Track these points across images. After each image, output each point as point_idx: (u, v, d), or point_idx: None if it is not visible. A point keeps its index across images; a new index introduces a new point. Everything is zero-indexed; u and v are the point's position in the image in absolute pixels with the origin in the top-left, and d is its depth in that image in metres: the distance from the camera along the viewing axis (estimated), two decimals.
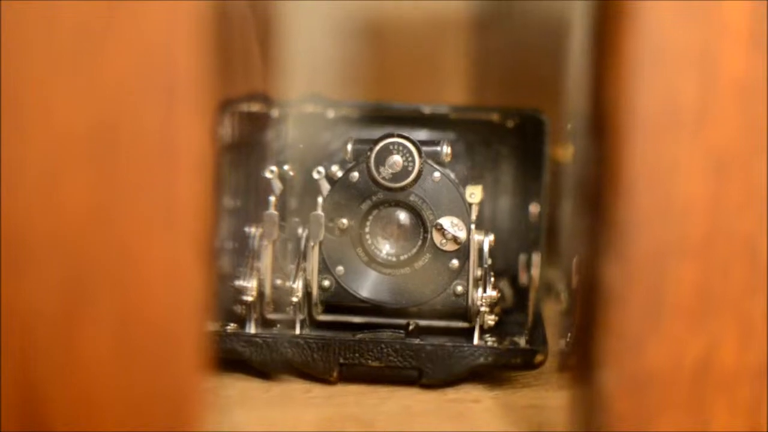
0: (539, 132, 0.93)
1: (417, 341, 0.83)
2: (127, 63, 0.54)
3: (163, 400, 0.57)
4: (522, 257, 0.94)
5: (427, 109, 0.96)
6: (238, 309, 0.86)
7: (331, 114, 0.97)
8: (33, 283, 0.55)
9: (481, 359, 0.82)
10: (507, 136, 0.96)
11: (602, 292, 0.65)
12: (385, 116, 0.96)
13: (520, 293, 0.94)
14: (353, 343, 0.83)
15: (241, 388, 0.84)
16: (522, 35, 1.21)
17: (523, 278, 0.93)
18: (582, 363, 0.67)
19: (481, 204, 0.88)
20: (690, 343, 0.64)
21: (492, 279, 0.86)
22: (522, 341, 0.85)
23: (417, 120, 0.96)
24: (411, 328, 0.83)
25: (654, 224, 0.64)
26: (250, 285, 0.85)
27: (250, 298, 0.85)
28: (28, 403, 0.55)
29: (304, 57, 1.18)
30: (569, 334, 0.82)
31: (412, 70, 1.24)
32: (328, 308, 0.88)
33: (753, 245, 0.64)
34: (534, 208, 0.94)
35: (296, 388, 0.84)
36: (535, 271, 0.91)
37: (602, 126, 0.65)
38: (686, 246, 0.64)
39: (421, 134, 0.94)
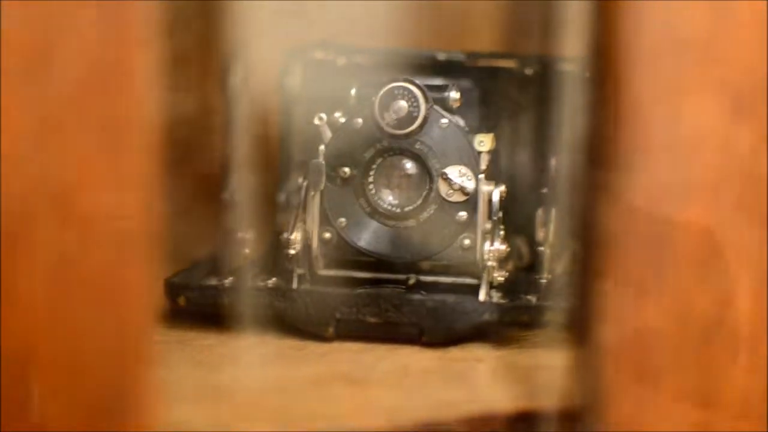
0: (559, 80, 0.87)
1: (417, 296, 0.78)
2: None
3: (105, 348, 0.52)
4: (539, 213, 0.88)
5: (441, 55, 0.90)
6: (286, 263, 0.81)
7: (341, 61, 0.92)
8: None
9: (485, 316, 0.77)
10: (525, 84, 0.91)
11: (600, 239, 0.59)
12: (399, 63, 0.90)
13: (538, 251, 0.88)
14: (350, 297, 0.78)
15: (237, 345, 0.81)
16: None
17: (540, 235, 0.88)
18: (580, 318, 0.62)
19: (493, 153, 0.83)
20: (698, 296, 0.59)
21: (502, 233, 0.80)
22: (534, 300, 0.80)
23: (432, 66, 0.90)
24: (411, 282, 0.79)
25: (658, 163, 0.59)
26: (293, 237, 0.81)
27: (293, 252, 0.80)
28: None
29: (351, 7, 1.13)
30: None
31: (443, 18, 1.19)
32: (330, 262, 0.83)
33: None
34: (554, 161, 0.88)
35: (290, 345, 0.80)
36: (551, 227, 0.85)
37: (603, 58, 0.59)
38: (694, 187, 0.59)
39: (437, 81, 0.89)
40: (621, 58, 0.58)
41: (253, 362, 0.78)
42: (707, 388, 0.61)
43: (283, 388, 0.72)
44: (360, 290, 0.79)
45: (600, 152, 0.59)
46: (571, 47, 0.90)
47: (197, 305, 0.81)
